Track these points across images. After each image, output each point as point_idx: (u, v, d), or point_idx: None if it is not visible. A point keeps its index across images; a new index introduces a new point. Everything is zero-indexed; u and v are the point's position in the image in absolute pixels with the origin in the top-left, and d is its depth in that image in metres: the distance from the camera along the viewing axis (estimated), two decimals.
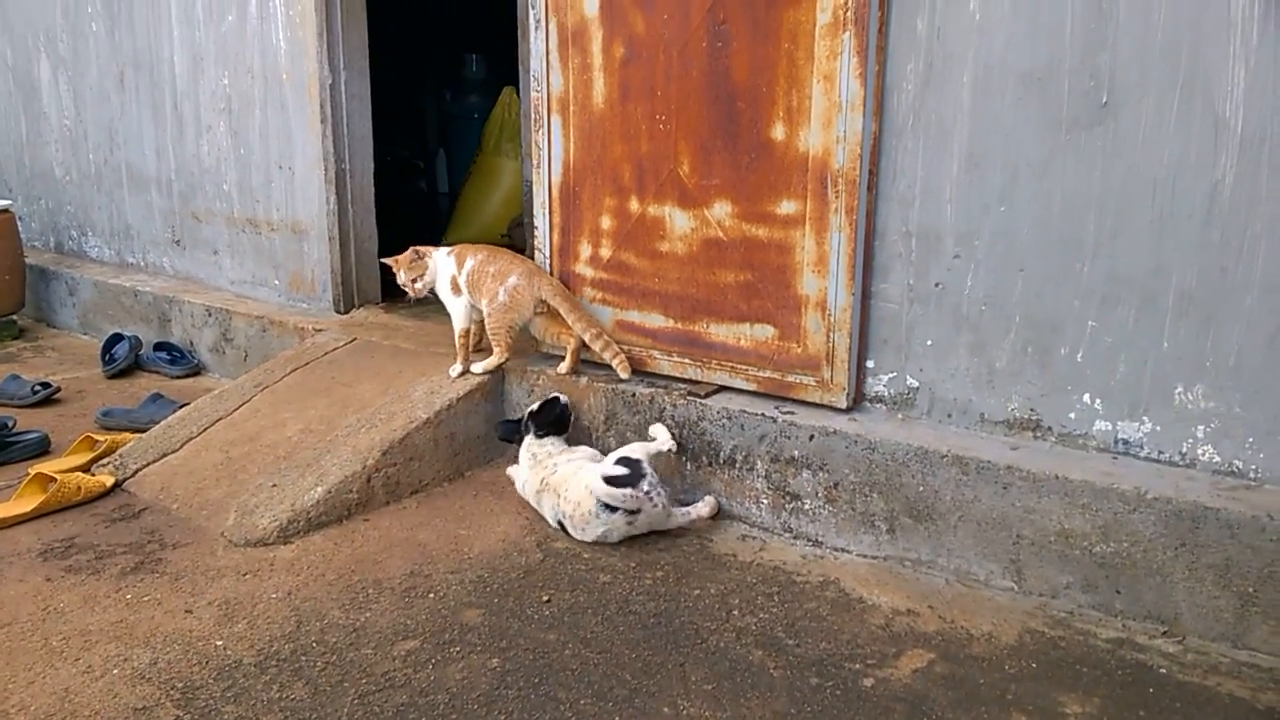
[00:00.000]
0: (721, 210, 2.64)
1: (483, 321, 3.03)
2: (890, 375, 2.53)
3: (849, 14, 2.34)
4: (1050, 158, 2.23)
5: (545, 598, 2.24)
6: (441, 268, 3.04)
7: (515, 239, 5.32)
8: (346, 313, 3.79)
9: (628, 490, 2.40)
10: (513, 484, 2.80)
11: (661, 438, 2.64)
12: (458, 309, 3.03)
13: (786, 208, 2.53)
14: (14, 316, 4.63)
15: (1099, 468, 2.20)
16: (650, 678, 1.95)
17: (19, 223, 4.66)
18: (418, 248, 3.04)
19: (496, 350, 2.98)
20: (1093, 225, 2.20)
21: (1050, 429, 2.34)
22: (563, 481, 2.54)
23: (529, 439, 2.74)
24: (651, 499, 2.43)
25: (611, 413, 2.81)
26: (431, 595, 2.26)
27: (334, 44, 3.58)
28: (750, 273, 2.62)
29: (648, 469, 2.48)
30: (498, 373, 3.00)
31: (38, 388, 3.64)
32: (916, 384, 2.49)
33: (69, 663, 1.99)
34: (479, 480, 2.90)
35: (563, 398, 2.81)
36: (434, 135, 7.93)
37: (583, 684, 1.93)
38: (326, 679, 1.94)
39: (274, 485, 2.65)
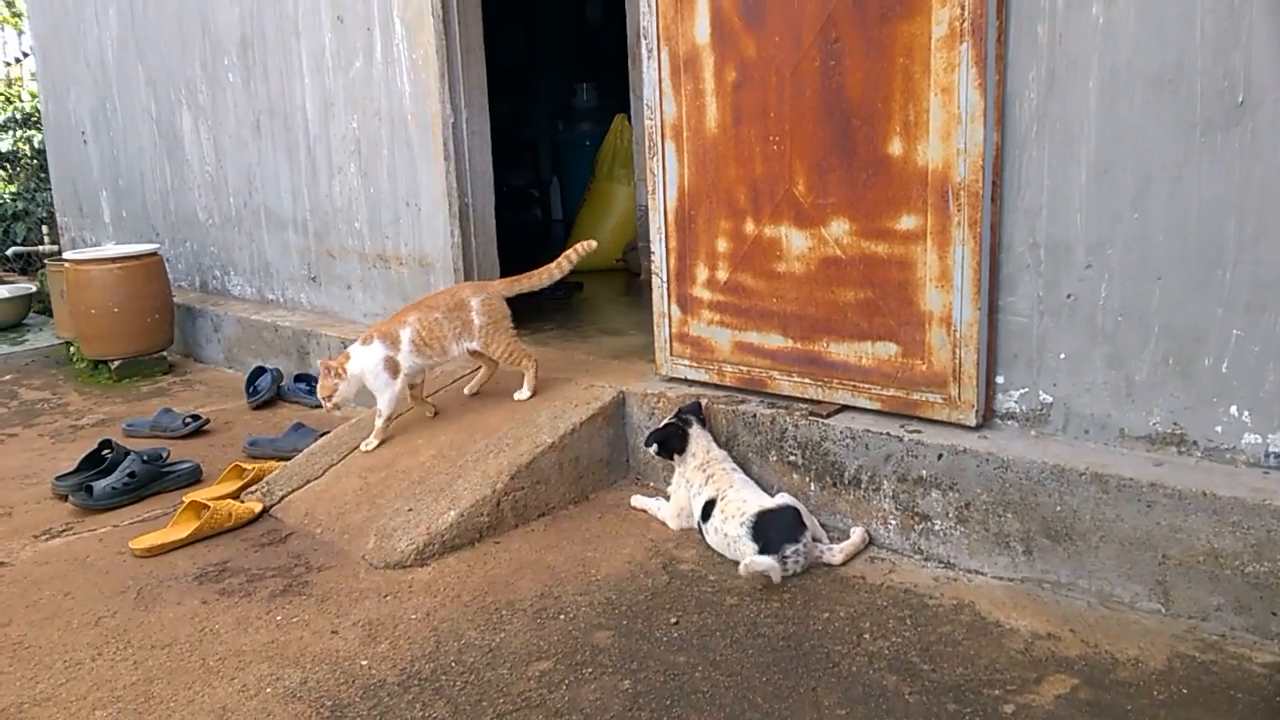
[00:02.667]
0: (839, 228, 2.63)
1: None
2: (1021, 391, 2.46)
3: (965, 25, 2.30)
4: (1184, 161, 2.14)
5: (673, 620, 2.26)
6: (368, 358, 3.02)
7: (630, 262, 5.40)
8: None
9: (769, 560, 2.36)
10: (637, 510, 2.84)
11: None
12: (391, 393, 3.06)
13: (906, 223, 2.50)
14: (164, 353, 4.94)
15: (1249, 483, 2.09)
16: (782, 702, 1.94)
17: (167, 264, 4.99)
18: (327, 361, 3.02)
19: (525, 364, 3.12)
20: (1233, 230, 2.11)
21: (1196, 443, 2.23)
22: (731, 489, 2.59)
23: (698, 428, 2.77)
24: (786, 565, 2.40)
25: (731, 434, 2.82)
26: (562, 616, 2.30)
27: (454, 84, 3.72)
28: (870, 290, 2.60)
29: (805, 534, 2.44)
30: (618, 396, 3.05)
31: (189, 420, 3.88)
32: (1050, 399, 2.42)
33: (225, 681, 2.11)
34: (603, 503, 2.95)
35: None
36: (548, 164, 8.11)
37: (714, 707, 1.93)
38: (466, 698, 2.00)
39: (410, 510, 2.75)
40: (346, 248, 4.38)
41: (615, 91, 5.52)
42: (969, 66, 2.32)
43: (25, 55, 9.41)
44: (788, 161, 2.70)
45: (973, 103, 2.33)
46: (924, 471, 2.46)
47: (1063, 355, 2.38)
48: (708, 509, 2.58)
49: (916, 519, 2.49)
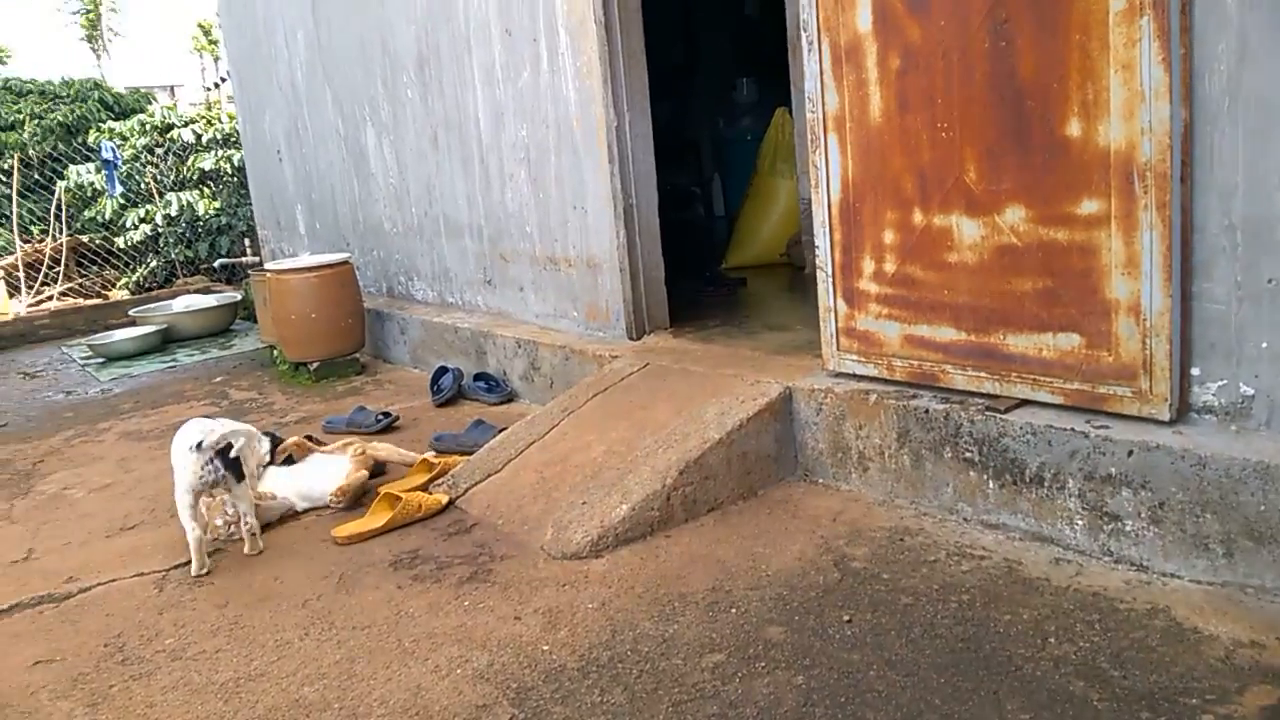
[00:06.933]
0: (1014, 215, 2.54)
1: None
2: (1220, 383, 2.31)
3: None
4: None
5: (846, 617, 2.25)
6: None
7: (793, 257, 5.36)
8: (638, 339, 3.99)
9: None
10: (804, 504, 2.83)
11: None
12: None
13: (1088, 207, 2.39)
14: (357, 355, 5.28)
15: None
16: (961, 704, 1.90)
17: (357, 272, 5.32)
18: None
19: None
20: None
21: None
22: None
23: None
24: None
25: (904, 431, 2.77)
26: (734, 610, 2.33)
27: (618, 89, 3.81)
28: (1050, 279, 2.50)
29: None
30: (784, 392, 3.05)
31: (380, 417, 4.14)
32: (1251, 392, 2.26)
33: (419, 662, 2.25)
34: (771, 498, 2.96)
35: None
36: (710, 161, 8.14)
37: (890, 706, 1.92)
38: (642, 686, 2.06)
39: (584, 503, 2.84)
40: (518, 251, 4.55)
41: (776, 85, 5.48)
42: (1151, 40, 2.20)
43: (223, 80, 10.21)
44: (957, 148, 2.63)
45: (1156, 79, 2.21)
46: (1113, 469, 2.35)
47: (1264, 344, 2.22)
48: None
49: (1105, 519, 2.38)
